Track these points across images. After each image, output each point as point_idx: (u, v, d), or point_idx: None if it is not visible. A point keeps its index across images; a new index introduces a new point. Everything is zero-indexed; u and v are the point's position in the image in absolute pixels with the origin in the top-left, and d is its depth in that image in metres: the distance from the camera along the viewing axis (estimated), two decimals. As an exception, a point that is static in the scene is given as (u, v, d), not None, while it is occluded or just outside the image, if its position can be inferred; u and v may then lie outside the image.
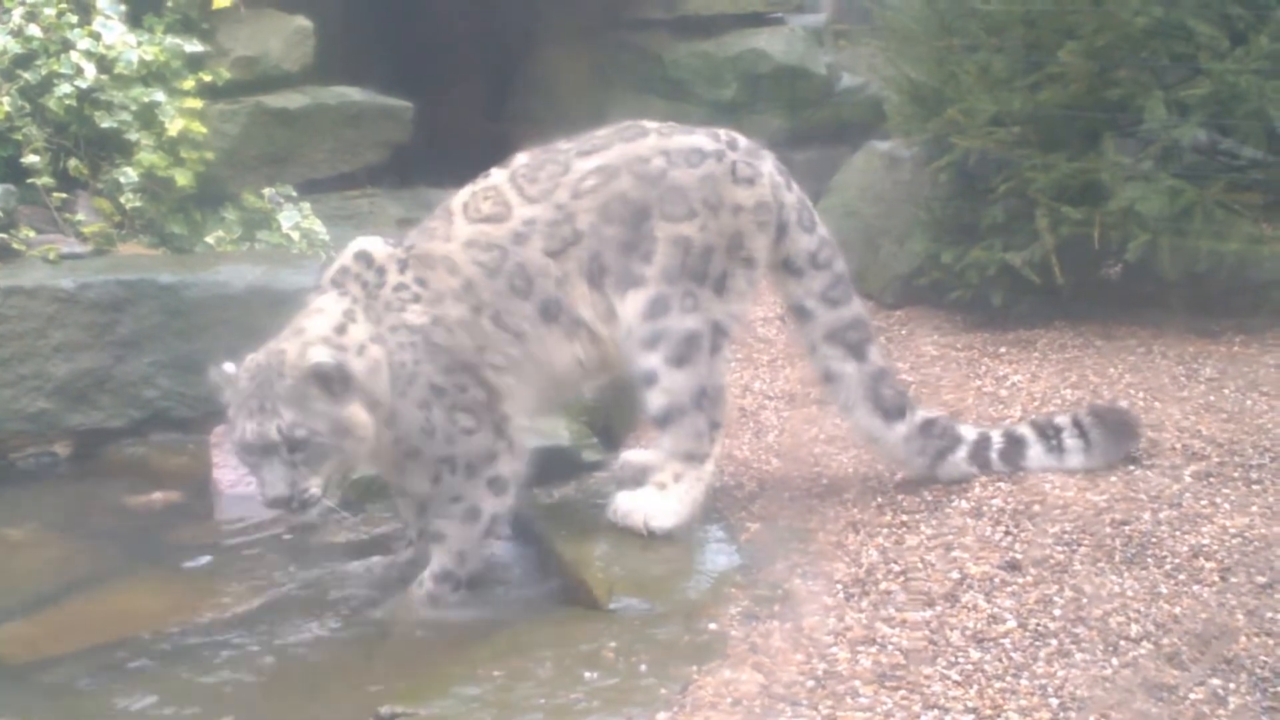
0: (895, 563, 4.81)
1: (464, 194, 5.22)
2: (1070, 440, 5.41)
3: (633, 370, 5.16)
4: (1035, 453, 5.41)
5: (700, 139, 5.28)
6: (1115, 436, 5.43)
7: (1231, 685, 3.94)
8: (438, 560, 5.13)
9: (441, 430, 4.99)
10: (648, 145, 5.21)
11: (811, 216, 5.43)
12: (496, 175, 5.22)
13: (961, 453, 5.42)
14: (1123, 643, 4.18)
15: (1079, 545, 4.78)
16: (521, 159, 5.25)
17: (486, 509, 5.10)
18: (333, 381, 4.71)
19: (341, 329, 4.89)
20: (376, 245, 5.14)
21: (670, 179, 5.13)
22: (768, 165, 5.34)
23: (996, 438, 5.46)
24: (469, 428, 5.02)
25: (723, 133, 5.37)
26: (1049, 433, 5.43)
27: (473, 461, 5.04)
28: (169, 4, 7.98)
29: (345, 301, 4.99)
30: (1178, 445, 5.56)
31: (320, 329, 4.87)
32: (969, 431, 5.50)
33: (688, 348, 5.08)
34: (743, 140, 5.38)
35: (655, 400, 5.12)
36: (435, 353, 4.97)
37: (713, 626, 4.46)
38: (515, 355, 5.07)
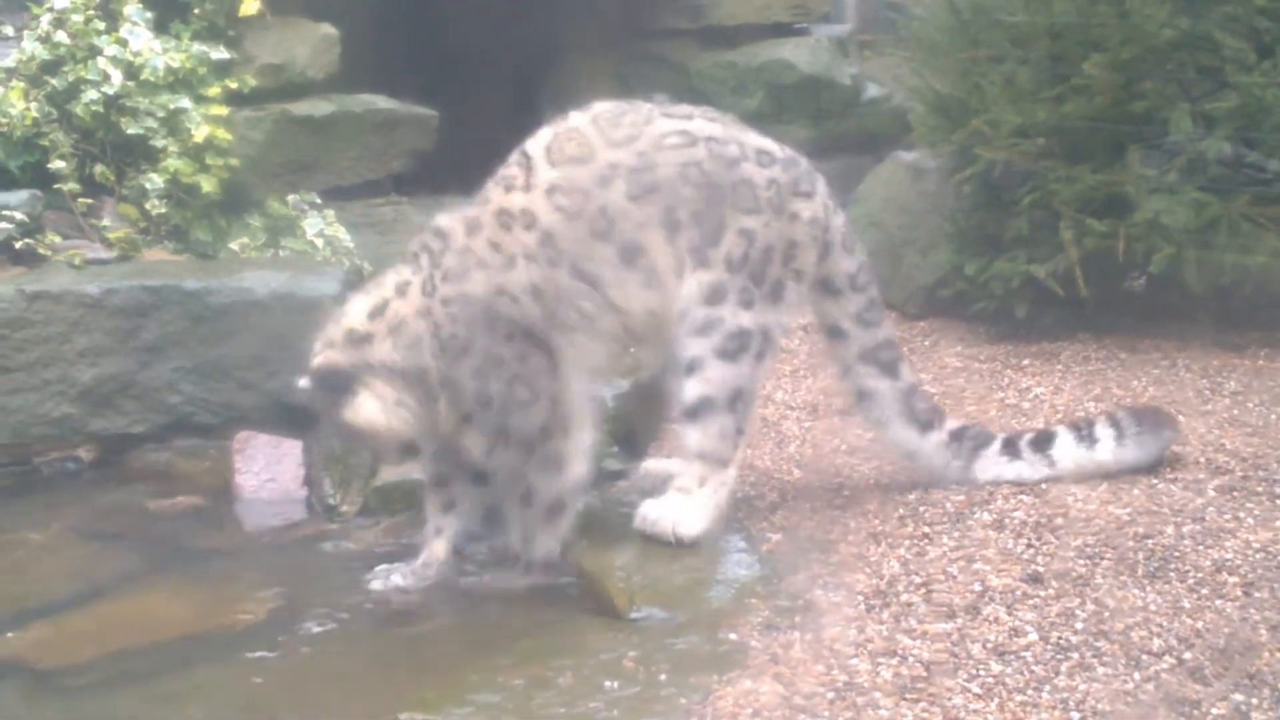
0: (917, 574, 4.80)
1: (544, 137, 5.23)
2: (1102, 430, 5.45)
3: (678, 354, 5.15)
4: (1065, 441, 5.45)
5: (772, 143, 5.38)
6: (1150, 426, 5.47)
7: (1254, 701, 3.93)
8: (511, 540, 5.31)
9: (498, 399, 5.05)
10: (724, 130, 5.29)
11: (853, 241, 5.54)
12: (577, 118, 5.27)
13: (994, 446, 5.49)
14: (1145, 657, 4.16)
15: (1101, 558, 4.76)
16: (602, 106, 5.33)
17: (541, 489, 5.15)
18: (334, 382, 5.09)
19: (380, 308, 5.12)
20: (448, 218, 5.24)
21: (742, 170, 5.20)
22: (822, 186, 5.43)
23: (1027, 434, 5.55)
24: (525, 400, 5.06)
25: (787, 149, 5.44)
26: (1081, 426, 5.51)
27: (527, 436, 5.08)
28: (196, 11, 8.01)
29: (406, 273, 5.18)
30: (1201, 459, 5.54)
31: (351, 317, 5.17)
32: (999, 435, 5.59)
33: (737, 344, 5.11)
34: (803, 160, 5.44)
35: (692, 389, 5.12)
36: (495, 322, 5.04)
37: (733, 637, 4.46)
38: (588, 309, 5.10)
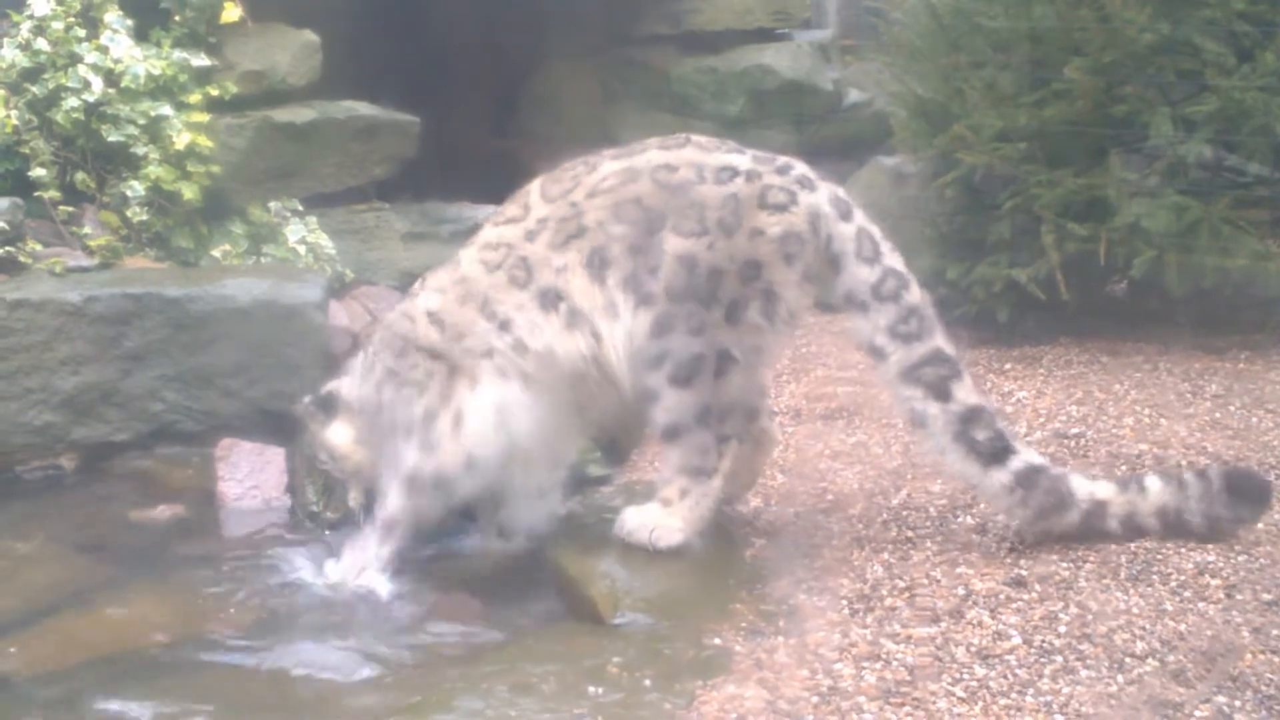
0: (901, 578, 4.81)
1: (510, 198, 5.41)
2: (1193, 519, 4.94)
3: (638, 387, 5.10)
4: (1154, 526, 4.96)
5: (738, 158, 5.10)
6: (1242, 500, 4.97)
7: (1237, 703, 3.94)
8: (375, 512, 5.44)
9: (388, 403, 5.36)
10: (681, 156, 5.10)
11: (874, 247, 5.06)
12: (538, 179, 5.35)
13: (1072, 517, 4.96)
14: (1128, 660, 4.17)
15: (1084, 561, 4.78)
16: (570, 163, 5.33)
17: (424, 466, 5.25)
18: (322, 408, 5.65)
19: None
20: None
21: (692, 192, 5.00)
22: (814, 196, 5.06)
23: (1116, 509, 4.97)
24: (409, 396, 5.29)
25: (780, 158, 5.16)
26: (1169, 515, 4.96)
27: (411, 424, 5.28)
28: (176, 18, 7.99)
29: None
30: (1183, 462, 5.57)
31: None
32: (1081, 488, 4.99)
33: (690, 369, 4.98)
34: (798, 168, 5.13)
35: (658, 417, 5.08)
36: (392, 340, 5.41)
37: (718, 642, 4.46)
38: (496, 344, 5.18)
